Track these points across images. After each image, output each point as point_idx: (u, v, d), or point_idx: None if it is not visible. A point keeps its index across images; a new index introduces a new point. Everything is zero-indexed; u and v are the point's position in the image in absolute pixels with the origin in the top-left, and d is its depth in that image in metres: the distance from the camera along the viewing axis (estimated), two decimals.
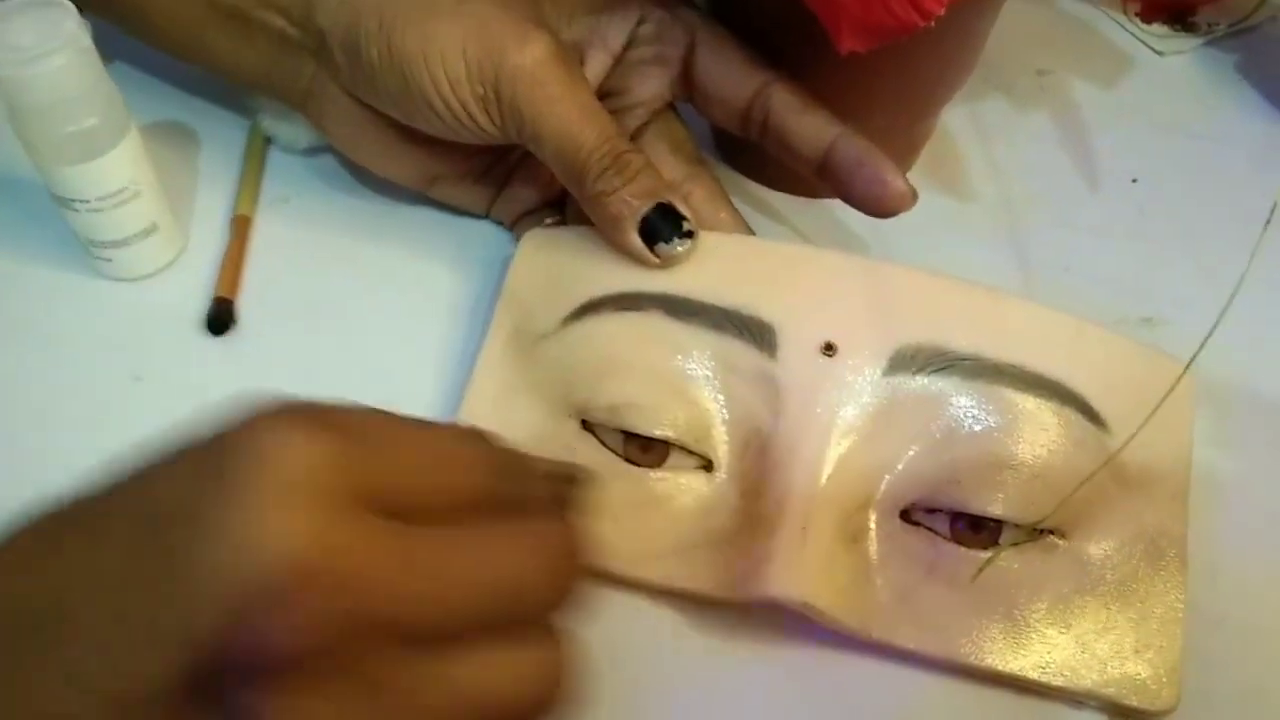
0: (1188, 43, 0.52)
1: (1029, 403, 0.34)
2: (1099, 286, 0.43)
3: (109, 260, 0.40)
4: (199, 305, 0.41)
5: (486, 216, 0.43)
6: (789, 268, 0.36)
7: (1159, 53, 0.52)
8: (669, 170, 0.39)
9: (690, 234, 0.36)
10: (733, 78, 0.38)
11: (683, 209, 0.36)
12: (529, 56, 0.35)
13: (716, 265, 0.36)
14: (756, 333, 0.35)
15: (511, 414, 0.36)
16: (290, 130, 0.44)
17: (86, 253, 0.41)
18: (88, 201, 0.38)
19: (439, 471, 0.23)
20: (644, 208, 0.35)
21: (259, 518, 0.20)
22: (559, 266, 0.38)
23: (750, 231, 0.40)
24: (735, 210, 0.40)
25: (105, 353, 0.40)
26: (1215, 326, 0.29)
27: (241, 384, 0.38)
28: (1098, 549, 0.34)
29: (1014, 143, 0.48)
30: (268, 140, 0.45)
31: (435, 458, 0.23)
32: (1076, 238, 0.45)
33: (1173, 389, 0.30)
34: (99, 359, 0.40)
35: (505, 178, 0.42)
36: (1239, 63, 0.52)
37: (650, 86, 0.39)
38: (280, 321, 0.41)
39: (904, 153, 0.45)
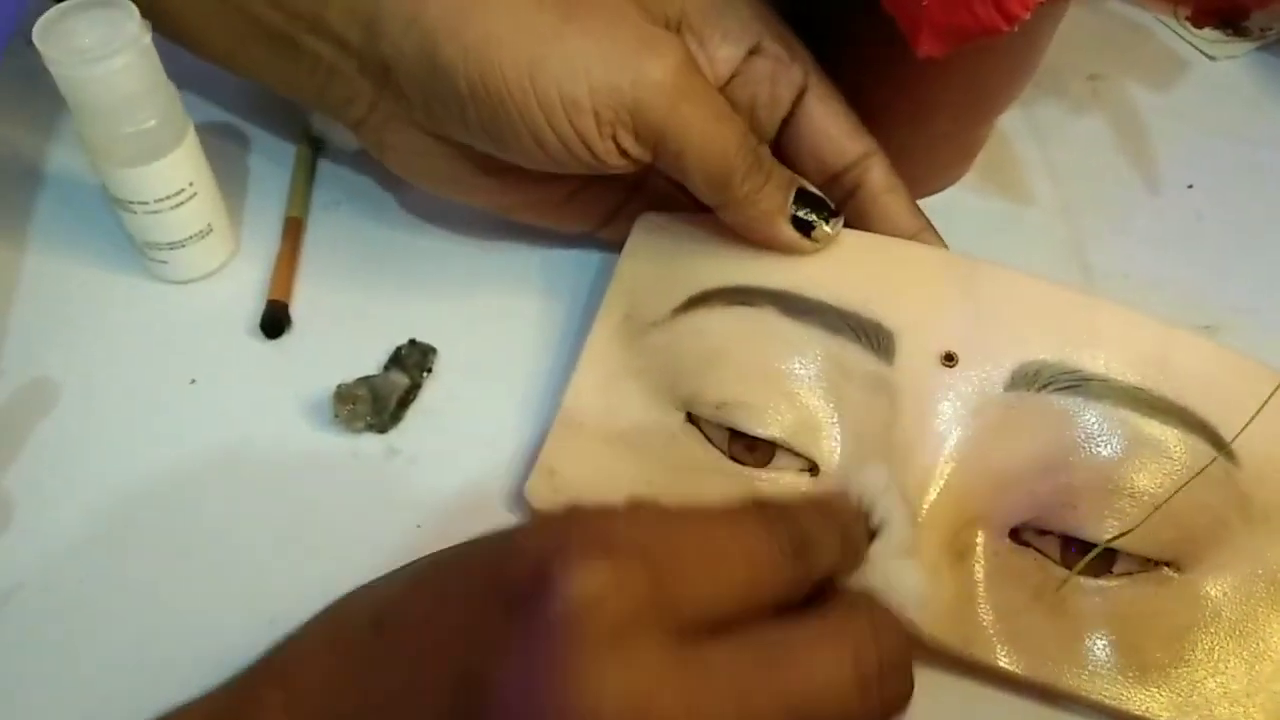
0: (1240, 47, 0.52)
1: (1154, 428, 0.32)
2: (1158, 293, 0.43)
3: (164, 262, 0.40)
4: (252, 308, 0.40)
5: (590, 238, 0.41)
6: (910, 268, 0.35)
7: (1211, 57, 0.51)
8: (841, 153, 0.37)
9: (838, 213, 0.35)
10: (836, 140, 0.37)
11: (817, 190, 0.35)
12: (666, 69, 0.32)
13: (833, 263, 0.35)
14: (874, 337, 0.34)
15: (617, 400, 0.36)
16: (342, 132, 0.44)
17: (141, 254, 0.40)
18: (146, 203, 0.38)
19: (730, 574, 0.23)
20: (790, 198, 0.35)
21: (575, 672, 0.20)
22: (671, 254, 0.37)
23: (919, 212, 0.38)
24: (910, 197, 0.38)
25: (160, 356, 0.39)
26: None
27: (297, 387, 0.38)
28: (1215, 584, 0.33)
29: (1068, 148, 0.47)
30: (319, 141, 0.45)
31: (724, 560, 0.23)
32: (1134, 243, 0.44)
33: (1271, 397, 0.29)
34: (154, 362, 0.39)
35: (610, 199, 0.40)
36: None
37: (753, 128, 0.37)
38: (335, 324, 0.40)
39: (963, 156, 0.45)
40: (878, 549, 0.30)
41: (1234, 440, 0.32)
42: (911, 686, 0.23)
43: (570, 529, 0.22)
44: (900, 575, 0.30)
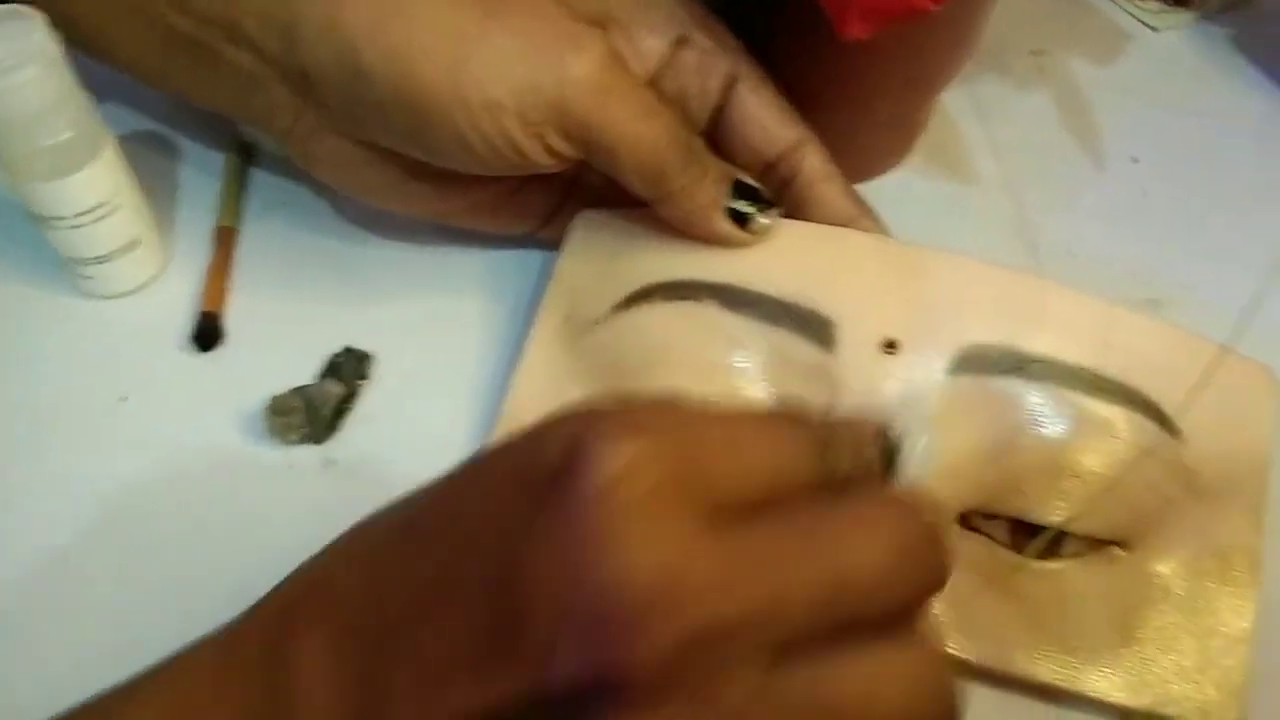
0: (1182, 18, 0.51)
1: (1100, 408, 0.32)
2: (1104, 268, 0.42)
3: (90, 278, 0.39)
4: (185, 321, 0.39)
5: (530, 238, 0.40)
6: (849, 256, 0.35)
7: (1153, 29, 0.51)
8: (774, 141, 0.37)
9: (774, 203, 0.35)
10: (768, 129, 0.36)
11: (753, 181, 0.35)
12: (590, 64, 0.32)
13: (773, 252, 0.35)
14: (814, 327, 0.33)
15: (560, 403, 0.35)
16: None
17: (67, 270, 0.39)
18: (65, 218, 0.37)
19: (764, 458, 0.22)
20: (726, 190, 0.34)
21: (608, 543, 0.20)
22: (611, 251, 0.37)
23: (857, 197, 0.37)
24: (846, 182, 0.37)
25: (90, 373, 0.38)
26: (1256, 306, 0.28)
27: (232, 400, 0.38)
28: (1164, 562, 0.33)
29: (1013, 125, 0.47)
30: (250, 148, 0.44)
31: (758, 445, 0.23)
32: (1079, 219, 0.44)
33: (1210, 374, 0.29)
34: (84, 380, 0.38)
35: (548, 199, 0.40)
36: (1235, 37, 0.51)
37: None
38: (271, 334, 0.39)
39: (905, 138, 0.44)
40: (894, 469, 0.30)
41: (1178, 416, 0.32)
42: (950, 562, 0.23)
43: (598, 414, 0.22)
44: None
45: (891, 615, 0.22)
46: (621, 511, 0.20)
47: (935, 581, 0.22)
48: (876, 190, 0.44)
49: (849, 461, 0.24)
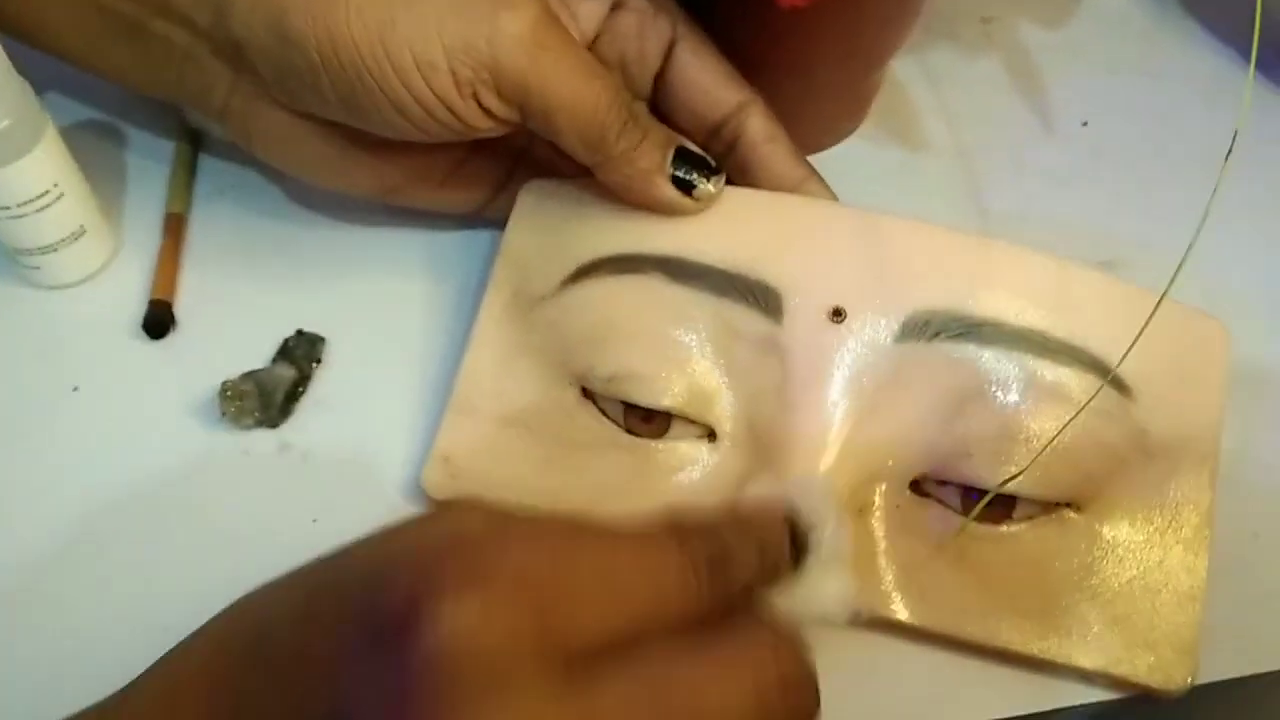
0: None
1: (1049, 370, 0.32)
2: (1057, 231, 0.42)
3: (37, 268, 0.39)
4: (135, 309, 0.39)
5: (478, 217, 0.40)
6: (795, 224, 0.34)
7: None
8: (717, 103, 0.36)
9: (719, 170, 0.34)
10: (710, 91, 0.36)
11: (696, 148, 0.34)
12: (523, 22, 0.31)
13: (719, 222, 0.34)
14: (761, 297, 0.33)
15: (510, 380, 0.35)
16: None
17: (13, 261, 0.39)
18: (8, 208, 0.36)
19: (637, 595, 0.22)
20: (669, 156, 0.34)
21: (445, 711, 0.19)
22: (558, 223, 0.36)
23: (803, 159, 0.37)
24: (791, 145, 0.37)
25: (40, 364, 0.38)
26: (1184, 259, 0.28)
27: (185, 387, 0.37)
28: (1116, 521, 0.33)
29: (963, 92, 0.47)
30: (198, 134, 0.43)
31: (633, 580, 0.22)
32: (1032, 183, 0.44)
33: (1149, 321, 0.29)
34: (34, 371, 0.38)
35: (493, 171, 0.39)
36: None
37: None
38: (223, 320, 0.39)
39: (855, 107, 0.44)
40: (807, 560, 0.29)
41: (1125, 373, 0.32)
42: (817, 706, 0.22)
43: (448, 554, 0.21)
44: (825, 584, 0.29)
45: None
46: (459, 683, 0.19)
47: None
48: (827, 158, 0.44)
49: (749, 569, 0.24)
